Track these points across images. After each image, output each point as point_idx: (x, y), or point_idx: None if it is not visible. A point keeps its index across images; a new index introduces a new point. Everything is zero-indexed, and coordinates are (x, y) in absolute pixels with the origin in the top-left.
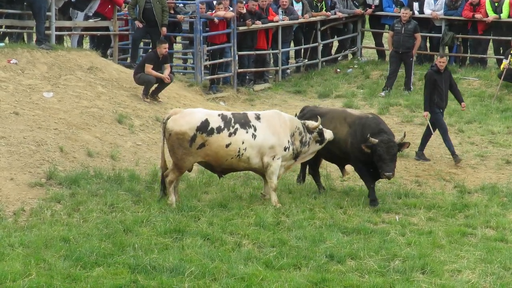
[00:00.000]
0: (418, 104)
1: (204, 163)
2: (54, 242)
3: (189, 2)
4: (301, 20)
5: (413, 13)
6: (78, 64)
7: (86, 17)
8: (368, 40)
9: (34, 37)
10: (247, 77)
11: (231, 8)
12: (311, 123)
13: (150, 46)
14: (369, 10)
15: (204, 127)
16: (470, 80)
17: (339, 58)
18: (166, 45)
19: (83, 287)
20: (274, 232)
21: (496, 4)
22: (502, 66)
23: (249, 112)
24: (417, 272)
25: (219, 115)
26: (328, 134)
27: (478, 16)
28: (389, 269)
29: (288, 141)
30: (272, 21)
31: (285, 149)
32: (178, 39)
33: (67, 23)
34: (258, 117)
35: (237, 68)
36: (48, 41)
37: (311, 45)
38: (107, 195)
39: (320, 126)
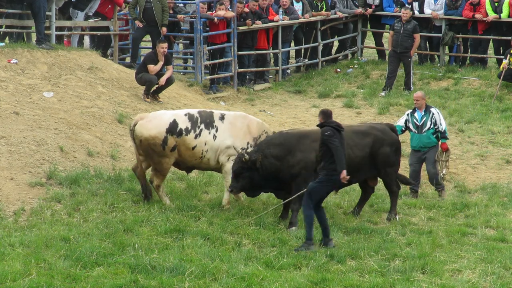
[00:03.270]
0: None
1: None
2: (54, 242)
3: (189, 1)
4: (301, 20)
5: (413, 13)
6: (78, 64)
7: (86, 17)
8: (368, 40)
9: (34, 37)
10: (247, 77)
11: (231, 8)
12: None
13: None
14: (369, 10)
15: (173, 128)
16: (470, 80)
17: (339, 58)
18: (165, 45)
19: (83, 287)
20: (274, 232)
21: (496, 4)
22: (501, 66)
23: (215, 111)
24: (417, 272)
25: (185, 114)
26: None
27: (478, 16)
28: (389, 269)
29: (248, 143)
30: (272, 20)
31: (242, 150)
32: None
33: (67, 23)
34: (222, 117)
35: (237, 68)
36: (48, 41)
37: (311, 45)
38: (107, 195)
39: None
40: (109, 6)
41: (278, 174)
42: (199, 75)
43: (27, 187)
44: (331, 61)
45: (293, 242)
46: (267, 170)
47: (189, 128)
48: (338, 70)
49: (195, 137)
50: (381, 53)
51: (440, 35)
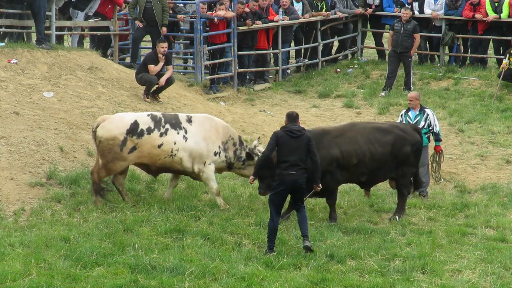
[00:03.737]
0: None
1: (139, 164)
2: (55, 242)
3: (189, 2)
4: (301, 20)
5: (413, 13)
6: (78, 64)
7: (86, 17)
8: (368, 40)
9: (34, 37)
10: (247, 77)
11: (231, 8)
12: (257, 147)
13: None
14: (369, 10)
15: (133, 130)
16: (470, 80)
17: (339, 58)
18: (165, 45)
19: (83, 287)
20: None
21: (496, 4)
22: (501, 66)
23: (180, 114)
24: (417, 272)
25: (148, 115)
26: None
27: (478, 16)
28: (389, 269)
29: (219, 147)
30: (272, 21)
31: (215, 154)
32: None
33: (67, 23)
34: (189, 120)
35: (237, 68)
36: (48, 41)
37: (311, 45)
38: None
39: (258, 152)
40: (109, 6)
41: None
42: (199, 75)
43: (27, 187)
44: (331, 61)
45: (293, 242)
46: None
47: (152, 127)
48: (338, 70)
49: (161, 135)
50: (381, 53)
51: (440, 35)
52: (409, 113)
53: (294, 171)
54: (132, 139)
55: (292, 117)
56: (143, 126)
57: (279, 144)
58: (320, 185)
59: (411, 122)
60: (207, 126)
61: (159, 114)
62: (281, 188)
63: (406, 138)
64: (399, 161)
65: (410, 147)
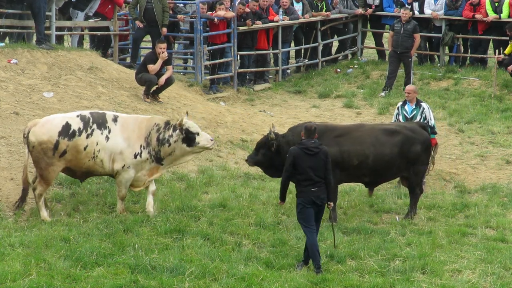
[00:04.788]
0: None
1: (66, 169)
2: (54, 242)
3: (189, 2)
4: (301, 20)
5: (413, 13)
6: (78, 64)
7: (86, 17)
8: (368, 40)
9: (34, 37)
10: (247, 77)
11: (231, 8)
12: (181, 120)
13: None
14: (369, 10)
15: (65, 132)
16: (470, 80)
17: (339, 58)
18: (163, 45)
19: (83, 287)
20: (274, 232)
21: (496, 4)
22: (507, 50)
23: (108, 112)
24: (417, 272)
25: (77, 116)
26: (203, 139)
27: (478, 16)
28: (389, 269)
29: (141, 146)
30: (272, 21)
31: (135, 156)
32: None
33: (67, 23)
34: (115, 119)
35: (237, 68)
36: (48, 41)
37: (311, 45)
38: (107, 195)
39: (189, 126)
40: (109, 6)
41: None
42: (199, 75)
43: None
44: (331, 61)
45: (293, 242)
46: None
47: (81, 128)
48: (338, 70)
49: (87, 137)
50: (381, 53)
51: (440, 35)
52: (406, 107)
53: (316, 187)
54: (64, 141)
55: (310, 131)
56: (74, 127)
57: (297, 162)
58: (332, 203)
59: (407, 116)
60: (131, 126)
61: (87, 114)
62: (306, 206)
63: (415, 138)
64: (410, 161)
65: (420, 145)
